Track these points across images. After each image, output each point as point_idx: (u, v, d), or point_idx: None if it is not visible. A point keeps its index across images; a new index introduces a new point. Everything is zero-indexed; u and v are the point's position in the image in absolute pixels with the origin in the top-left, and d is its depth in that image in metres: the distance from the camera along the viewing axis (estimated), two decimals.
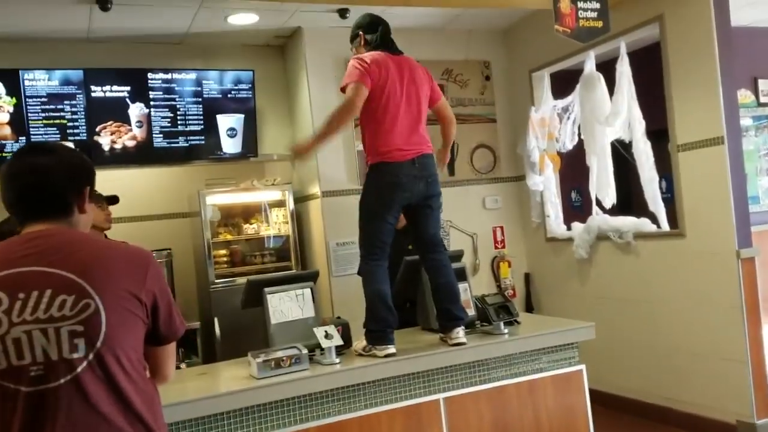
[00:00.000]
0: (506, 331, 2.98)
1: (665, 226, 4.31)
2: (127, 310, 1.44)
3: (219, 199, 4.92)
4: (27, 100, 4.35)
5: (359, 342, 2.81)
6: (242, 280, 4.38)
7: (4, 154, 4.28)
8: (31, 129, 4.37)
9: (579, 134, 4.75)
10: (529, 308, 5.32)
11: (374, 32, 2.92)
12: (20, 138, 4.34)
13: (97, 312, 1.39)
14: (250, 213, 5.18)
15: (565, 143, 4.87)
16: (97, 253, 1.47)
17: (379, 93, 2.77)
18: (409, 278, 3.18)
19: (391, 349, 2.71)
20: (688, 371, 4.12)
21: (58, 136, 4.42)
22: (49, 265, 1.41)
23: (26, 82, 4.34)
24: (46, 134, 4.40)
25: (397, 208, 2.81)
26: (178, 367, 3.68)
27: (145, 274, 1.49)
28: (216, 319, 4.64)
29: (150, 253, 1.57)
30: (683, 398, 4.16)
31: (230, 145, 4.90)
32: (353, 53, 2.97)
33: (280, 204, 5.08)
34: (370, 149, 2.83)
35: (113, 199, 3.68)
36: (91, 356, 1.38)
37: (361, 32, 2.95)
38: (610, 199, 4.53)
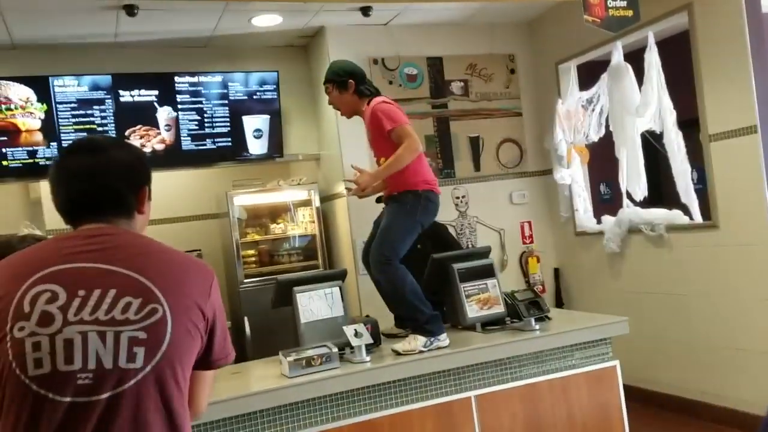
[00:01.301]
0: (537, 327, 2.95)
1: (698, 218, 4.22)
2: (191, 323, 1.30)
3: (246, 199, 4.96)
4: (57, 106, 4.43)
5: (406, 343, 2.77)
6: (271, 279, 4.42)
7: (36, 160, 4.37)
8: (62, 135, 4.45)
9: (606, 126, 4.68)
10: (559, 304, 5.27)
11: (363, 84, 3.06)
12: (51, 144, 4.42)
13: (164, 319, 1.25)
14: (276, 213, 5.21)
15: (590, 135, 4.79)
16: (166, 257, 1.35)
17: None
18: (436, 275, 3.17)
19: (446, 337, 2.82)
20: (725, 365, 4.04)
21: None
22: (113, 263, 1.27)
23: (56, 89, 4.42)
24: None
25: None
26: None
27: (210, 287, 1.37)
28: (246, 319, 4.68)
29: (212, 269, 1.44)
30: (721, 393, 4.07)
31: (256, 146, 4.94)
32: (332, 96, 3.07)
33: (306, 203, 5.10)
34: (418, 177, 2.95)
35: None
36: (148, 368, 1.23)
37: (353, 81, 3.03)
38: (641, 191, 4.45)
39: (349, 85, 3.03)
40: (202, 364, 1.39)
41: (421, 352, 2.73)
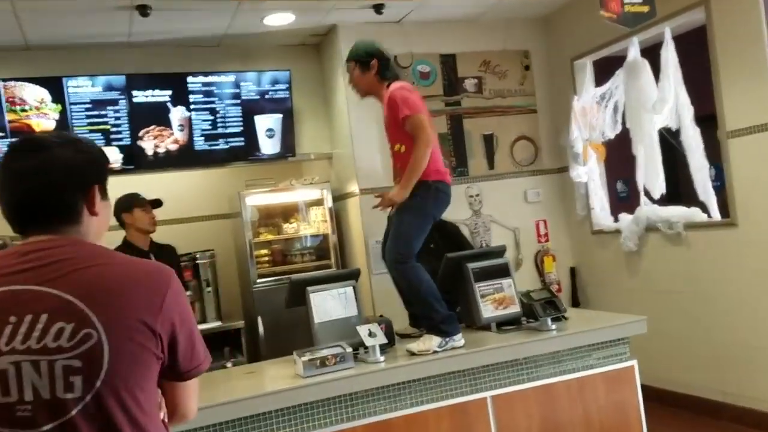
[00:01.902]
0: (554, 327, 2.91)
1: (716, 216, 4.16)
2: (137, 344, 1.20)
3: (259, 199, 4.95)
4: (71, 106, 4.45)
5: (421, 343, 2.74)
6: (284, 279, 4.41)
7: None
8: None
9: (623, 122, 4.62)
10: (576, 303, 5.21)
11: (387, 69, 3.03)
12: None
13: (99, 344, 1.15)
14: (289, 212, 5.20)
15: (604, 132, 4.74)
16: (105, 272, 1.22)
17: (428, 117, 2.95)
18: (450, 275, 3.13)
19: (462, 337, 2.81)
20: (745, 365, 3.97)
21: (103, 141, 4.52)
22: (46, 284, 1.17)
23: (70, 89, 4.44)
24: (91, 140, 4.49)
25: None
26: (223, 366, 3.73)
27: (163, 299, 1.24)
28: (259, 318, 4.67)
29: (171, 271, 1.31)
30: (741, 392, 4.01)
31: (269, 146, 4.93)
32: (354, 74, 3.05)
33: (319, 203, 5.09)
34: (429, 167, 2.89)
35: (157, 203, 3.74)
36: (88, 397, 1.15)
37: (376, 62, 2.99)
38: (658, 188, 4.39)
39: (371, 65, 2.99)
40: (173, 377, 1.31)
41: (435, 352, 2.70)
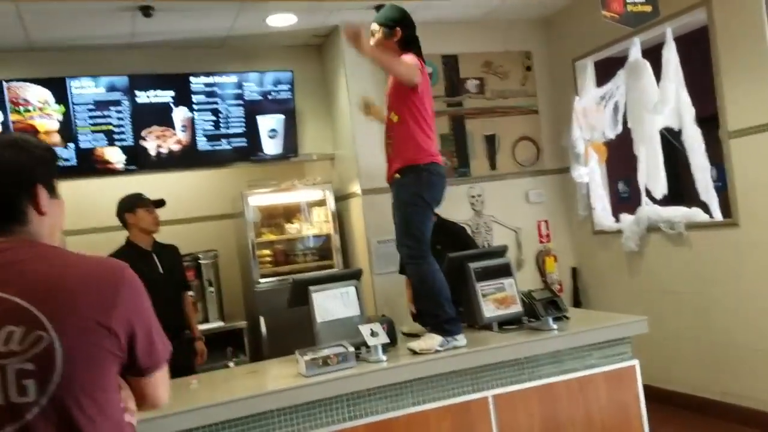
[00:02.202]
0: (555, 326, 2.91)
1: (718, 216, 4.16)
2: (92, 344, 1.18)
3: (261, 199, 4.97)
4: (74, 107, 4.47)
5: (422, 342, 2.73)
6: (286, 279, 4.42)
7: None
8: (79, 135, 4.48)
9: (623, 123, 4.62)
10: (577, 303, 5.21)
11: (412, 41, 2.94)
12: (69, 144, 4.46)
13: (51, 347, 1.14)
14: (291, 213, 5.21)
15: (604, 132, 4.74)
16: (55, 272, 1.20)
17: (427, 95, 2.89)
18: (452, 274, 3.14)
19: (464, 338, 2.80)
20: (746, 365, 3.97)
21: (106, 141, 4.54)
22: None
23: (73, 90, 4.46)
24: (94, 140, 4.52)
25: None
26: (226, 366, 3.75)
27: (116, 296, 1.22)
28: (262, 318, 4.68)
29: (124, 267, 1.28)
30: (741, 393, 4.01)
31: (271, 146, 4.94)
32: (376, 38, 2.92)
33: (321, 203, 5.10)
34: (421, 149, 2.83)
35: (160, 203, 3.75)
36: (44, 401, 1.13)
37: (399, 28, 2.91)
38: (660, 189, 4.40)
39: (395, 32, 2.91)
40: (134, 373, 1.30)
41: (437, 351, 2.71)
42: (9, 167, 1.26)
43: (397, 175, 2.87)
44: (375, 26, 2.95)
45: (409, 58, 2.83)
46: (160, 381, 1.36)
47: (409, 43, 2.93)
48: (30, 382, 1.13)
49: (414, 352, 2.71)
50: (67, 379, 1.15)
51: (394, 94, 2.90)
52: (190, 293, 4.09)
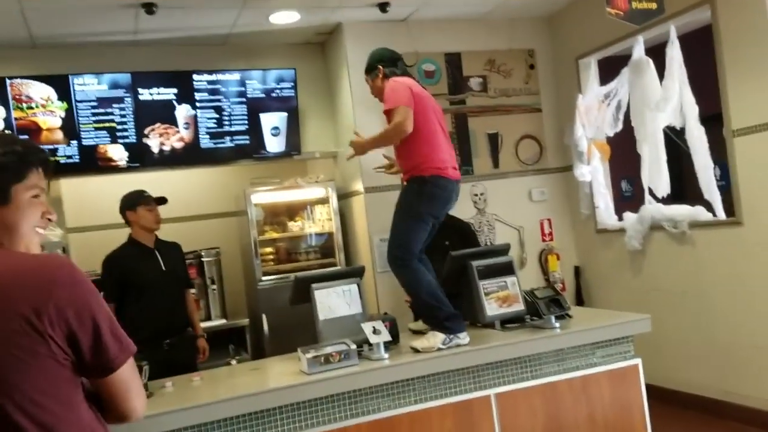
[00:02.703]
0: (558, 325, 2.91)
1: (721, 215, 4.15)
2: (24, 349, 1.13)
3: (264, 197, 4.96)
4: (77, 104, 4.47)
5: (425, 340, 2.73)
6: (289, 277, 4.42)
7: (57, 158, 4.41)
8: (82, 133, 4.49)
9: (623, 121, 4.61)
10: (580, 302, 5.21)
11: (394, 66, 3.06)
12: (72, 142, 4.46)
13: None
14: (294, 210, 5.21)
15: (605, 130, 4.73)
16: None
17: (429, 109, 2.92)
18: (454, 272, 3.14)
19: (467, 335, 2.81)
20: (748, 364, 3.96)
21: (109, 139, 4.54)
22: None
23: (76, 87, 4.46)
24: (96, 137, 4.52)
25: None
26: (228, 364, 3.74)
27: (49, 295, 1.16)
28: (264, 316, 4.68)
29: (63, 263, 1.24)
30: (744, 392, 4.00)
31: (274, 144, 4.94)
32: (370, 85, 3.12)
33: (324, 201, 5.10)
34: (425, 160, 2.86)
35: (161, 200, 3.74)
36: None
37: (380, 66, 3.04)
38: (663, 187, 4.38)
39: (378, 71, 3.05)
40: (89, 375, 1.24)
41: (439, 349, 2.71)
42: None
43: (404, 183, 2.97)
44: (366, 78, 3.13)
45: (393, 93, 2.87)
46: (126, 388, 1.28)
47: (391, 74, 3.04)
48: None
49: (416, 351, 2.71)
50: (4, 386, 1.11)
51: (388, 119, 2.94)
52: (193, 291, 4.08)
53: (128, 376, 1.29)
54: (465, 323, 2.88)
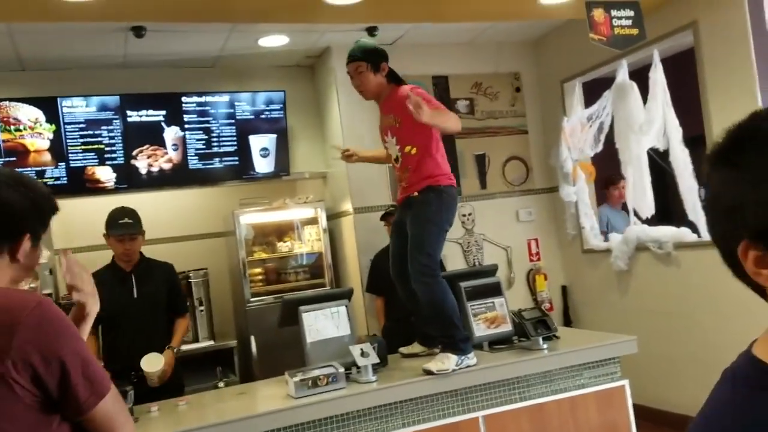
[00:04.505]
0: (545, 346, 2.92)
1: (706, 236, 4.19)
2: None
3: (253, 218, 4.97)
4: (66, 126, 4.47)
5: (439, 362, 2.68)
6: (278, 298, 4.41)
7: (44, 180, 4.40)
8: (70, 154, 4.48)
9: (611, 143, 4.66)
10: (567, 322, 5.23)
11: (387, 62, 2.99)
12: (59, 164, 4.45)
13: None
14: (283, 231, 5.21)
15: (586, 150, 4.78)
16: None
17: None
18: None
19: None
20: None
21: (96, 160, 4.53)
22: None
23: (65, 109, 4.46)
24: (84, 159, 4.52)
25: None
26: (215, 386, 3.68)
27: (12, 337, 1.12)
28: (252, 338, 4.66)
29: (29, 304, 1.18)
30: None
31: (263, 165, 4.96)
32: (365, 75, 2.92)
33: (313, 221, 5.10)
34: (441, 171, 2.88)
35: (133, 232, 3.30)
36: None
37: (386, 63, 2.95)
38: (647, 208, 4.44)
39: (382, 67, 2.93)
40: (64, 414, 1.20)
41: (453, 371, 2.67)
42: (6, 209, 1.23)
43: (415, 194, 2.88)
44: (361, 64, 2.91)
45: (427, 95, 2.81)
46: (108, 422, 1.24)
47: (396, 76, 2.97)
48: None
49: (430, 373, 2.65)
50: None
51: (411, 128, 2.84)
52: (183, 317, 3.47)
53: (109, 411, 1.24)
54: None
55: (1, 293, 1.21)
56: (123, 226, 3.21)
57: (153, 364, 2.94)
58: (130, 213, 3.28)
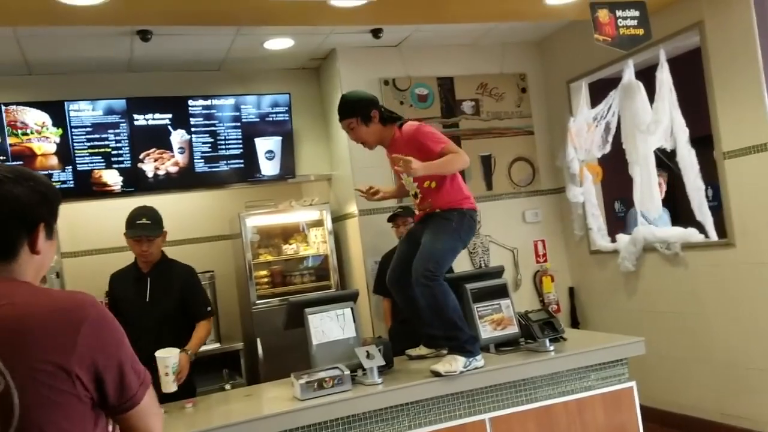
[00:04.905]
0: (552, 348, 2.91)
1: (713, 236, 4.17)
2: (49, 387, 1.14)
3: (259, 220, 4.98)
4: (72, 130, 4.49)
5: (447, 364, 2.67)
6: (283, 300, 4.42)
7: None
8: (77, 158, 4.50)
9: (618, 143, 4.64)
10: (575, 323, 5.21)
11: (381, 108, 2.96)
12: (66, 167, 4.48)
13: (7, 392, 1.11)
14: (289, 233, 5.22)
15: (593, 151, 4.76)
16: (15, 314, 1.16)
17: None
18: None
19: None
20: (745, 386, 3.96)
21: (103, 164, 4.55)
22: None
23: (71, 113, 4.49)
24: (91, 162, 4.54)
25: None
26: (222, 388, 3.69)
27: (76, 336, 1.17)
28: (258, 340, 4.67)
29: (89, 304, 1.23)
30: (741, 414, 3.99)
31: (269, 168, 4.97)
32: (358, 130, 2.91)
33: (318, 224, 5.11)
34: (462, 194, 2.92)
35: (151, 233, 3.21)
36: None
37: (376, 110, 2.91)
38: (655, 209, 4.41)
39: (373, 115, 2.89)
40: (110, 411, 1.24)
41: (461, 372, 2.66)
42: (17, 203, 1.25)
43: (438, 210, 2.89)
44: (351, 121, 2.90)
45: (435, 133, 2.85)
46: (146, 412, 1.30)
47: (386, 116, 2.94)
48: None
49: (438, 374, 2.64)
50: (28, 424, 1.12)
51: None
52: (204, 321, 3.26)
53: (146, 402, 1.30)
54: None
55: (57, 293, 1.25)
56: (140, 227, 3.14)
57: (165, 354, 2.81)
58: (149, 213, 3.21)
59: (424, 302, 2.82)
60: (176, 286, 3.24)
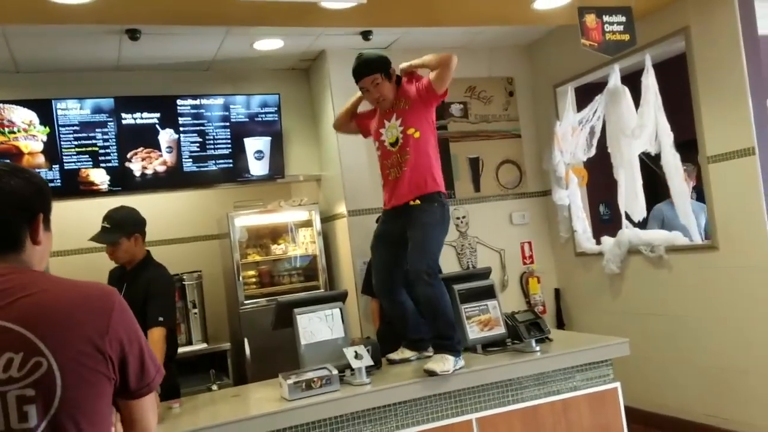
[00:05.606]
0: (538, 348, 2.95)
1: (697, 239, 4.23)
2: (88, 368, 1.20)
3: (247, 220, 4.97)
4: (60, 128, 4.46)
5: (441, 363, 2.70)
6: (271, 300, 4.42)
7: None
8: (64, 157, 4.48)
9: (603, 147, 4.70)
10: (560, 324, 5.25)
11: None
12: (54, 166, 4.45)
13: (50, 372, 1.16)
14: (277, 233, 5.22)
15: (577, 155, 4.81)
16: (47, 298, 1.22)
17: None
18: None
19: None
20: (729, 387, 4.02)
21: (91, 163, 4.53)
22: None
23: (59, 112, 4.46)
24: (78, 161, 4.51)
25: None
26: (209, 389, 3.68)
27: (109, 319, 1.25)
28: (246, 340, 4.66)
29: (114, 291, 1.32)
30: (725, 415, 4.05)
31: (258, 168, 4.97)
32: (383, 86, 3.02)
33: (307, 224, 5.12)
34: (437, 177, 2.98)
35: (100, 239, 3.21)
36: (44, 425, 1.16)
37: (393, 68, 3.06)
38: (639, 212, 4.47)
39: (392, 71, 3.05)
40: (125, 396, 1.31)
41: (453, 372, 2.70)
42: (18, 196, 1.29)
43: (418, 201, 2.92)
44: (376, 77, 3.01)
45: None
46: (150, 405, 1.37)
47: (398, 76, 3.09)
48: (31, 407, 1.15)
49: (434, 374, 2.66)
50: (67, 403, 1.17)
51: (419, 113, 2.99)
52: (156, 329, 2.99)
53: (154, 396, 1.39)
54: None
55: (70, 282, 1.30)
56: (100, 232, 3.11)
57: None
58: (115, 216, 3.15)
59: (425, 300, 2.84)
60: (141, 290, 3.09)
